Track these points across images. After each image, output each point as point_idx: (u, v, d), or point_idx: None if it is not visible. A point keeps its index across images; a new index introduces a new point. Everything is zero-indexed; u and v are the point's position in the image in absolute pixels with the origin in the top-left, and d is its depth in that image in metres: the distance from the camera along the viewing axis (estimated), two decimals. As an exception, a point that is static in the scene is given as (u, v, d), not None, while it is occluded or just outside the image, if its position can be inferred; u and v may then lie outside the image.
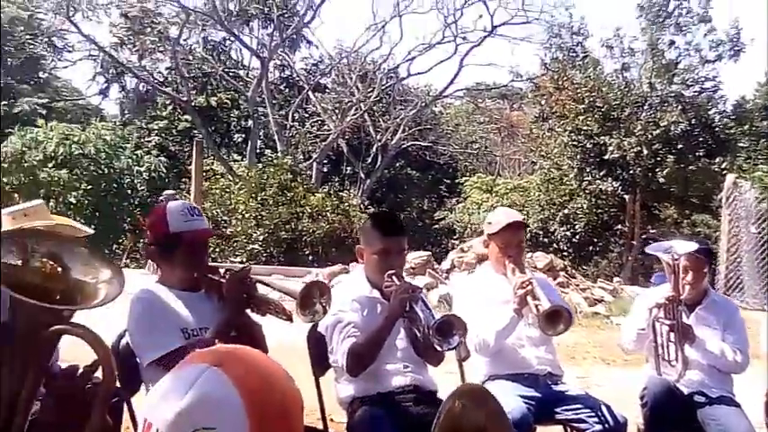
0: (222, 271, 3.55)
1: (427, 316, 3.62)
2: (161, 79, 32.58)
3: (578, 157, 20.22)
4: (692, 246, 4.45)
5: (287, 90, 33.99)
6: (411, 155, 33.07)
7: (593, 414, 3.91)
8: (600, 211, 20.20)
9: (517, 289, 4.05)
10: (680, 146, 18.98)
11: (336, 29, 67.38)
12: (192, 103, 29.45)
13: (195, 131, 30.91)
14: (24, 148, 19.34)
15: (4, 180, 18.39)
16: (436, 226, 31.14)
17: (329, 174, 30.72)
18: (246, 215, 20.15)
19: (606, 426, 3.85)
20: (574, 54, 21.38)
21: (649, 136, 18.93)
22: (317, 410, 3.98)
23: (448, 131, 35.24)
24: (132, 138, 25.70)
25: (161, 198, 17.16)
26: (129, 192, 21.61)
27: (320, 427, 3.93)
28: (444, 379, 3.99)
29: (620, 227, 20.21)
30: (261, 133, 30.59)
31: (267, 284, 3.56)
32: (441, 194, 34.25)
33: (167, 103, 32.06)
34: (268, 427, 1.22)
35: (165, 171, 23.12)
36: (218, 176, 23.88)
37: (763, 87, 24.74)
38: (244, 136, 31.46)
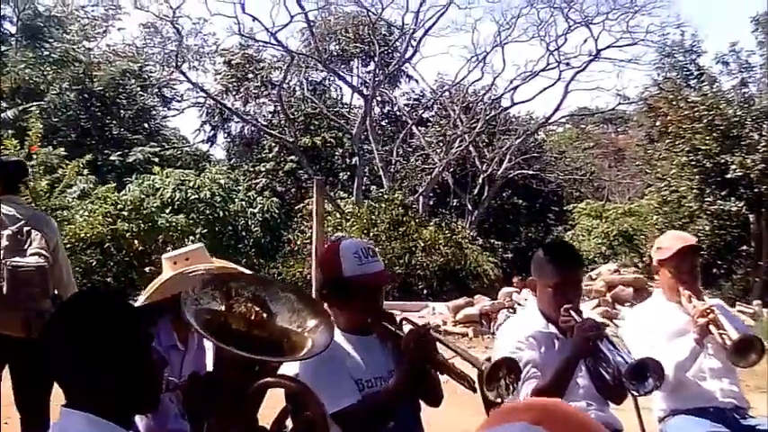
0: (398, 318, 3.41)
1: (614, 354, 3.41)
2: (265, 123, 33.22)
3: (698, 177, 19.55)
4: None
5: (389, 126, 34.28)
6: (517, 184, 32.78)
7: None
8: (723, 232, 19.47)
9: (698, 317, 3.81)
10: (810, 159, 18.25)
11: (437, 62, 67.67)
12: (298, 144, 29.89)
13: (301, 171, 31.41)
14: (143, 196, 19.82)
15: (125, 227, 18.83)
16: (548, 255, 30.67)
17: (436, 206, 30.65)
18: (360, 252, 20.16)
19: None
20: (687, 72, 20.88)
21: (774, 152, 18.26)
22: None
23: (552, 159, 34.84)
24: (242, 181, 26.18)
25: (332, 238, 17.43)
26: (244, 234, 21.91)
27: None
28: (619, 416, 3.77)
29: (744, 247, 19.42)
30: (365, 170, 30.77)
31: (448, 346, 3.36)
32: (548, 223, 33.87)
33: (273, 145, 32.62)
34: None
35: (277, 211, 23.43)
36: (326, 215, 24.02)
37: None
38: (349, 173, 31.72)
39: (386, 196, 22.79)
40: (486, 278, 21.06)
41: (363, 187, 29.53)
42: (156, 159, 27.06)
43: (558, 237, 31.06)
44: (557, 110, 30.47)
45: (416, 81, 34.66)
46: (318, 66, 32.33)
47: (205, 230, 20.76)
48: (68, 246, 14.80)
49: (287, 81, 32.02)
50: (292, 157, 31.49)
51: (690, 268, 4.11)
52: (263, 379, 2.16)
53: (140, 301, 3.79)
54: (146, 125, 31.94)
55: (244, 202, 22.20)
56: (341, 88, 35.41)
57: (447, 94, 31.85)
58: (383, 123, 34.07)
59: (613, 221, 27.44)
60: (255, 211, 22.53)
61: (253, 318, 2.20)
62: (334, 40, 33.19)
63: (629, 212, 27.85)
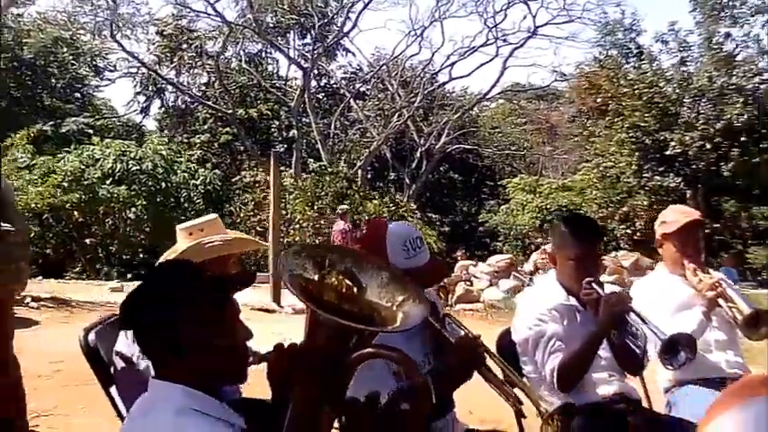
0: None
1: (640, 327, 3.43)
2: (199, 94, 32.72)
3: (637, 153, 19.95)
4: None
5: (326, 99, 34.09)
6: (454, 158, 33.06)
7: None
8: (660, 207, 19.87)
9: (706, 291, 3.88)
10: (743, 138, 18.72)
11: (374, 36, 67.39)
12: (235, 116, 29.58)
13: (236, 143, 31.09)
14: (83, 166, 19.40)
15: (65, 198, 18.45)
16: (481, 228, 31.07)
17: (374, 180, 30.72)
18: (304, 224, 20.13)
19: None
20: (627, 50, 21.20)
21: (711, 130, 18.67)
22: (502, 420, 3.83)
23: (487, 134, 35.17)
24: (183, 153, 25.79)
25: (337, 212, 17.23)
26: (186, 205, 21.59)
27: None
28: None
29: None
30: (303, 143, 30.61)
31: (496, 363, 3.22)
32: (481, 198, 34.24)
33: (207, 117, 32.18)
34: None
35: (220, 183, 23.17)
36: (258, 186, 23.82)
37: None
38: (286, 146, 31.52)
39: (329, 169, 22.70)
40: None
41: (301, 160, 29.38)
42: (91, 131, 26.50)
43: (490, 211, 31.43)
44: (494, 85, 30.76)
45: (353, 54, 34.58)
46: (254, 37, 31.91)
47: (146, 202, 20.41)
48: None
49: (217, 53, 31.56)
50: (227, 129, 31.13)
51: (694, 242, 4.16)
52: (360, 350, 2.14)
53: (158, 271, 3.75)
54: (77, 95, 31.20)
55: (186, 174, 21.86)
56: (277, 61, 35.11)
57: (385, 68, 31.75)
58: (320, 96, 33.86)
59: (547, 196, 27.82)
60: (198, 182, 22.20)
61: (343, 290, 2.18)
62: (271, 12, 32.76)
63: (562, 187, 28.26)
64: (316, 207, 20.54)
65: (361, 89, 33.05)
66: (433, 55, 30.79)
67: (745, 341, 4.02)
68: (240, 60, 32.53)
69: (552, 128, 35.78)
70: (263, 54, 34.37)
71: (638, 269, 13.19)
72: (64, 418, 6.03)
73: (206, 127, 32.15)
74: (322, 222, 20.08)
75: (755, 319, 3.75)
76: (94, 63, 32.44)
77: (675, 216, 4.21)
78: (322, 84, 34.76)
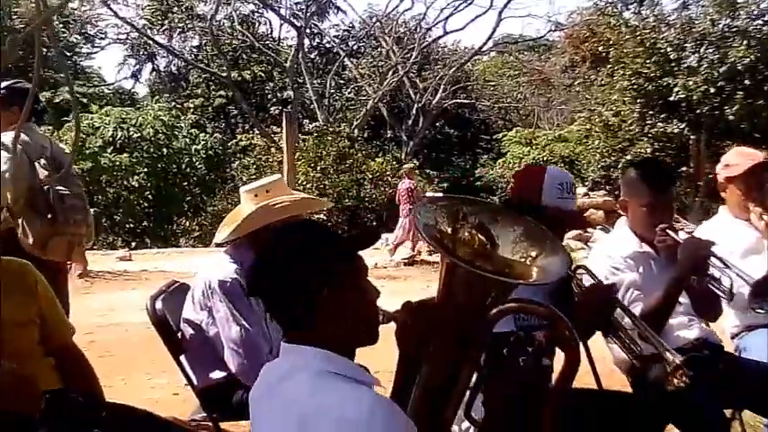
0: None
1: (723, 272, 3.34)
2: (191, 57, 32.42)
3: (639, 101, 19.83)
4: None
5: (319, 59, 33.82)
6: (450, 114, 32.93)
7: None
8: (663, 154, 19.83)
9: None
10: (747, 81, 18.62)
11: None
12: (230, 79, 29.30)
13: (231, 107, 30.87)
14: (83, 135, 19.23)
15: (68, 168, 18.30)
16: (478, 183, 31.07)
17: (371, 138, 30.57)
18: (308, 185, 20.06)
19: None
20: (627, -6, 21.00)
21: (715, 74, 18.56)
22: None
23: (479, 88, 35.01)
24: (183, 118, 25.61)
25: (402, 171, 17.18)
26: (189, 170, 21.50)
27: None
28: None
29: (685, 168, 19.84)
30: (298, 104, 30.41)
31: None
32: (476, 152, 34.21)
33: (200, 81, 31.92)
34: None
35: (221, 149, 23.04)
36: (257, 149, 23.73)
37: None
38: (281, 108, 31.30)
39: (331, 129, 22.54)
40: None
41: (297, 121, 29.17)
42: (85, 100, 26.26)
43: (485, 166, 31.40)
44: (490, 38, 30.45)
45: (344, 13, 34.26)
46: (246, -2, 31.60)
47: (148, 169, 20.31)
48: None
49: (211, 14, 31.18)
50: (221, 93, 30.91)
51: (760, 185, 4.14)
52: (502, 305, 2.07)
53: (225, 234, 3.70)
54: (69, 63, 30.80)
55: (187, 139, 21.72)
56: (270, 21, 34.72)
57: (378, 25, 31.46)
58: (312, 56, 33.57)
59: (544, 148, 27.78)
60: (199, 147, 22.06)
61: (476, 246, 2.12)
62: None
63: (559, 138, 28.21)
64: (318, 168, 20.44)
65: (355, 47, 32.76)
66: (427, 9, 30.65)
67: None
68: (233, 22, 32.09)
69: (546, 79, 35.61)
70: (255, 15, 34.02)
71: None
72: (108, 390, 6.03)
73: (199, 91, 31.90)
74: (326, 183, 20.02)
75: None
76: (84, 30, 32.02)
77: (739, 159, 4.11)
78: (315, 43, 34.46)
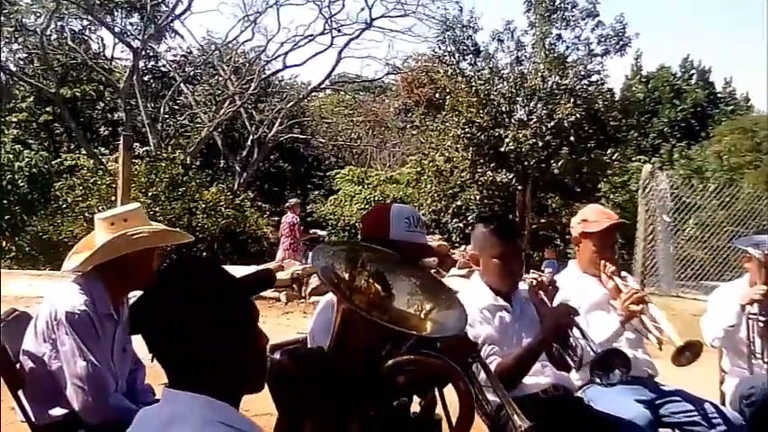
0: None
1: (578, 341, 3.45)
2: (15, 70, 30.87)
3: (471, 149, 20.53)
4: (783, 241, 4.37)
5: (153, 82, 33.04)
6: (284, 148, 32.91)
7: (714, 415, 3.87)
8: (491, 202, 20.64)
9: (630, 303, 3.94)
10: (572, 138, 19.64)
11: (205, 19, 65.43)
12: (59, 95, 28.12)
13: (56, 124, 29.63)
14: None
15: None
16: (309, 218, 31.12)
17: (203, 167, 30.03)
18: (136, 211, 19.37)
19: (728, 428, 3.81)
20: (464, 47, 21.70)
21: (543, 128, 19.47)
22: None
23: (314, 124, 35.23)
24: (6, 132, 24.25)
25: (287, 206, 16.54)
26: (10, 187, 20.36)
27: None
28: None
29: (511, 217, 20.63)
30: (129, 126, 29.50)
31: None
32: (307, 188, 34.30)
33: (27, 95, 30.47)
34: None
35: (47, 167, 21.98)
36: (84, 171, 22.83)
37: (632, 80, 26.08)
38: (110, 129, 30.32)
39: (165, 155, 21.97)
40: (266, 241, 21.05)
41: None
42: None
43: (315, 201, 31.54)
44: (329, 76, 30.69)
45: (182, 37, 33.67)
46: (79, 13, 30.39)
47: (-35, 185, 19.15)
48: None
49: (44, 28, 29.90)
50: (48, 109, 29.62)
51: (612, 244, 4.34)
52: (398, 356, 2.06)
53: (75, 262, 3.55)
54: None
55: (10, 155, 20.61)
56: (102, 39, 33.59)
57: (217, 53, 31.10)
58: (146, 79, 32.72)
59: (375, 188, 28.22)
60: (22, 164, 20.97)
61: (371, 295, 2.11)
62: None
63: (390, 180, 28.73)
64: (150, 194, 19.84)
65: (192, 73, 32.22)
66: (268, 42, 30.48)
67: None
68: (65, 37, 30.81)
69: (380, 120, 36.23)
70: (88, 32, 32.82)
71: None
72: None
73: (24, 106, 30.41)
74: (156, 210, 19.43)
75: (683, 349, 3.74)
76: None
77: (598, 217, 4.35)
78: (149, 66, 33.62)
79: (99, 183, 20.53)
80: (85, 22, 31.64)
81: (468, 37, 21.64)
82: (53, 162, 24.98)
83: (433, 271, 13.84)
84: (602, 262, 4.23)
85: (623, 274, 4.30)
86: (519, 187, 20.26)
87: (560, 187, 20.62)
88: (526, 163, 19.82)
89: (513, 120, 19.99)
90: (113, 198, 20.06)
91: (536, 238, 20.82)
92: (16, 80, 30.24)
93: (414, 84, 28.76)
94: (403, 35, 28.79)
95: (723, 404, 4.34)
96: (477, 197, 20.56)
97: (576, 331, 3.45)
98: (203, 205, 19.95)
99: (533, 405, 3.40)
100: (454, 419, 2.03)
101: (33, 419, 3.37)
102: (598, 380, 3.39)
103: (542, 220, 20.91)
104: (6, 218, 20.13)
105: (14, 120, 29.39)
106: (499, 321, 3.68)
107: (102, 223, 3.61)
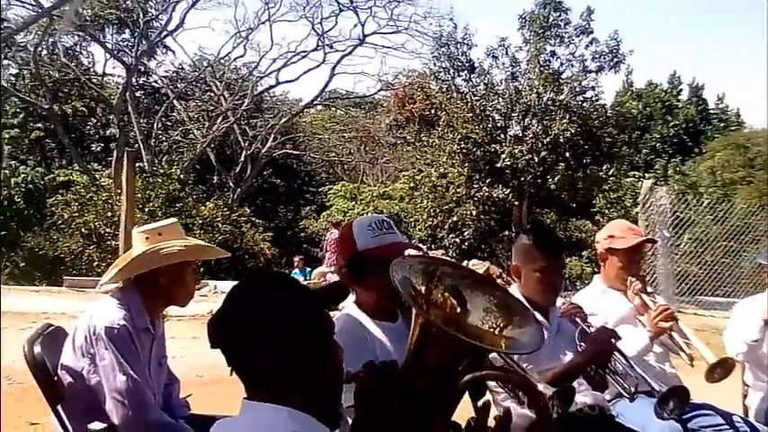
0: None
1: (624, 366, 3.41)
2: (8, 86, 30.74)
3: (467, 165, 20.56)
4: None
5: (144, 98, 33.00)
6: (277, 164, 32.89)
7: (744, 427, 3.91)
8: (487, 217, 20.67)
9: (659, 320, 3.95)
10: (567, 154, 19.70)
11: (197, 36, 65.48)
12: (52, 111, 28.03)
13: (48, 140, 29.53)
14: None
15: None
16: (302, 234, 31.11)
17: (197, 182, 29.96)
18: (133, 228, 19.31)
19: None
20: (459, 63, 21.76)
21: (539, 144, 19.53)
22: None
23: (306, 140, 35.24)
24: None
25: (332, 222, 16.46)
26: (6, 203, 20.28)
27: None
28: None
29: (507, 232, 20.67)
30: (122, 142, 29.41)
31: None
32: (299, 203, 34.28)
33: (18, 111, 30.35)
34: None
35: (42, 183, 21.89)
36: (78, 186, 22.73)
37: (623, 96, 26.23)
38: (103, 145, 30.23)
39: (161, 171, 21.91)
40: (263, 257, 21.02)
41: (121, 161, 28.12)
42: None
43: (308, 217, 31.52)
44: (322, 92, 30.79)
45: (173, 53, 33.65)
46: (70, 29, 30.35)
47: (-40, 202, 19.06)
48: None
49: (35, 44, 29.81)
50: (39, 125, 29.52)
51: (639, 261, 4.36)
52: (473, 372, 2.04)
53: (110, 275, 3.56)
54: None
55: (7, 171, 20.53)
56: (93, 55, 33.55)
57: (209, 69, 31.12)
58: (138, 95, 32.68)
59: (368, 203, 28.22)
60: (19, 180, 20.89)
61: (448, 309, 2.10)
62: (88, 5, 31.25)
63: (382, 195, 28.73)
64: (146, 210, 19.78)
65: (184, 89, 32.20)
66: (261, 58, 30.51)
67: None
68: (58, 53, 30.74)
69: (372, 136, 36.28)
70: (79, 48, 32.79)
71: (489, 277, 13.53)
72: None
73: (16, 122, 30.29)
74: (153, 226, 19.34)
75: (716, 366, 3.75)
76: None
77: (624, 233, 4.33)
78: (141, 82, 33.58)
79: (95, 198, 20.45)
80: (76, 38, 31.63)
81: (463, 53, 21.71)
82: (46, 178, 24.91)
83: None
84: (630, 278, 4.24)
85: (649, 290, 4.31)
86: (515, 203, 20.31)
87: (556, 202, 20.67)
88: (522, 178, 19.89)
89: (508, 135, 20.07)
90: (110, 214, 20.07)
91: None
92: (9, 96, 30.11)
93: (406, 99, 28.82)
94: (395, 51, 28.91)
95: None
96: (474, 212, 20.58)
97: (620, 357, 3.41)
98: (200, 221, 19.89)
99: (568, 424, 3.32)
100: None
101: (72, 433, 3.36)
102: (661, 414, 3.33)
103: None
104: (2, 233, 20.06)
105: (6, 136, 29.29)
106: None
107: (139, 237, 3.61)
